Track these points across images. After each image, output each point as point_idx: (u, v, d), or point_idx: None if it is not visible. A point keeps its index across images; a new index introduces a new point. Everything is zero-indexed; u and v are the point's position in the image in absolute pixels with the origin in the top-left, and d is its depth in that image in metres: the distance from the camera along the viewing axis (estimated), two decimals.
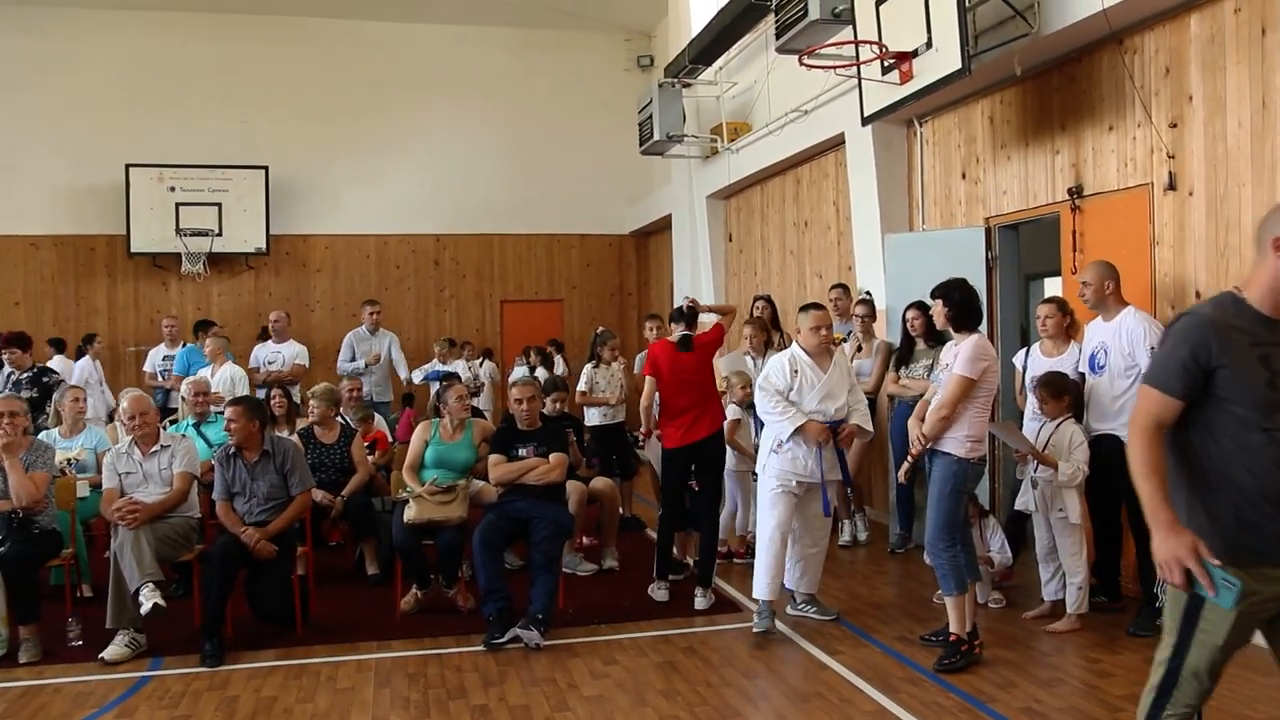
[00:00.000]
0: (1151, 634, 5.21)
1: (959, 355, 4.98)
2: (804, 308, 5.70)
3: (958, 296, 5.10)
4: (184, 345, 10.47)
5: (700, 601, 6.11)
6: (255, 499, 5.69)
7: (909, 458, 5.21)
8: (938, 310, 5.18)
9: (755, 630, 5.42)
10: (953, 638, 4.94)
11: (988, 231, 7.23)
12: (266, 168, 13.66)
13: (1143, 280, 5.79)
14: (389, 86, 14.42)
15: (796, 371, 5.53)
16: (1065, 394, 5.41)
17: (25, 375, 7.99)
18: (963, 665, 4.85)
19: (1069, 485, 5.34)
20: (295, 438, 6.92)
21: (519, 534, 5.86)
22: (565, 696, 4.71)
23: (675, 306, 6.76)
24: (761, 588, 5.49)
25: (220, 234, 13.53)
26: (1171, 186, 5.61)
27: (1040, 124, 6.69)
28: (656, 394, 6.48)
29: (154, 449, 5.78)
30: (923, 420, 5.19)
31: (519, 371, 11.50)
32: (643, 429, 6.98)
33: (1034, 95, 6.75)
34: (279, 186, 13.84)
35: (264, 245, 13.75)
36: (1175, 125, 5.60)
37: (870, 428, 5.75)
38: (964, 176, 7.56)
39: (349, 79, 14.30)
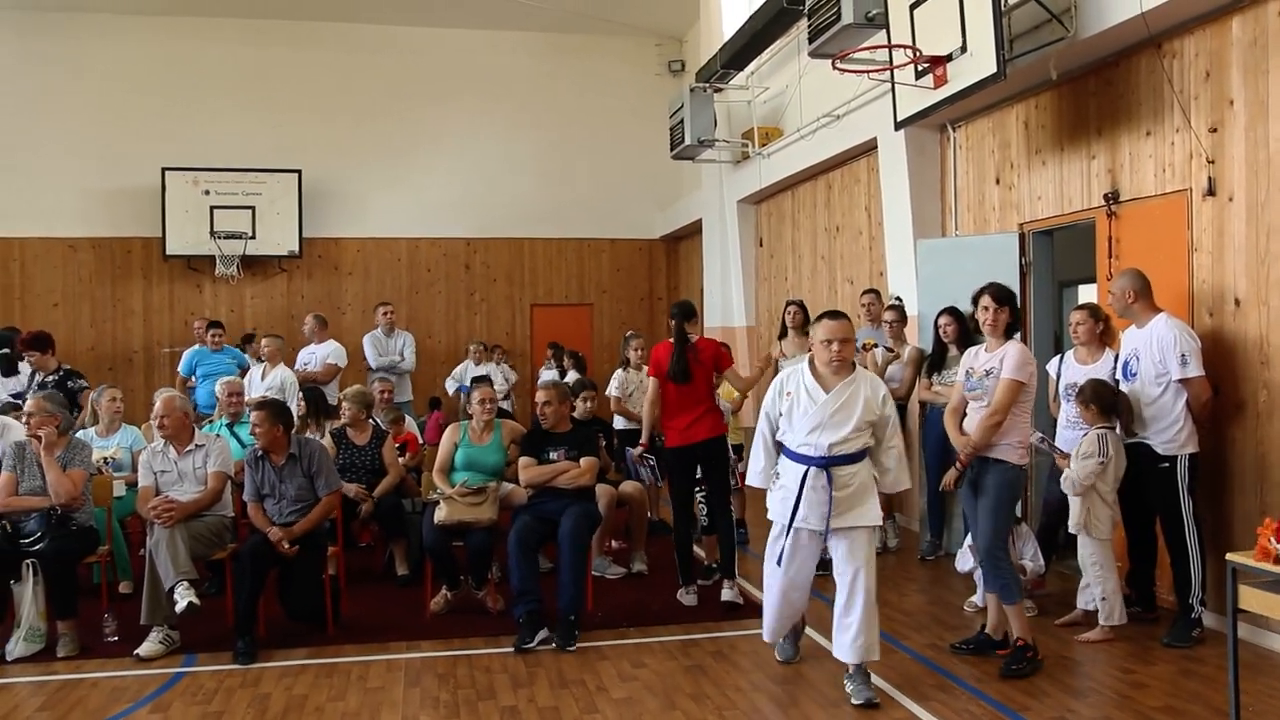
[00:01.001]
0: (1187, 645, 5.15)
1: (1006, 360, 4.90)
2: (819, 316, 4.82)
3: (1017, 302, 5.06)
4: (196, 346, 10.35)
5: (727, 593, 6.11)
6: (285, 500, 5.74)
7: (958, 466, 5.05)
8: (1001, 315, 5.01)
9: (778, 659, 5.17)
10: (1019, 643, 4.90)
11: (1022, 237, 7.17)
12: (299, 171, 13.78)
13: (1180, 287, 5.72)
14: (420, 91, 14.52)
15: (790, 393, 4.69)
16: (1093, 403, 5.34)
17: (51, 378, 7.71)
18: (1030, 671, 4.82)
19: (1071, 492, 5.31)
20: (328, 438, 6.97)
21: (550, 535, 5.87)
22: (594, 699, 4.70)
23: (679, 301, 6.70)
24: (767, 629, 5.03)
25: (254, 237, 13.67)
26: (1211, 192, 5.54)
27: (1076, 129, 6.63)
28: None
29: (189, 448, 5.85)
30: (959, 428, 5.13)
31: (547, 374, 11.52)
32: (643, 437, 6.65)
33: (1070, 100, 6.69)
34: (311, 190, 13.95)
35: (296, 248, 13.87)
36: (1215, 130, 5.53)
37: (905, 483, 4.87)
38: (998, 182, 7.50)
39: (381, 83, 14.41)
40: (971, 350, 5.26)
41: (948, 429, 5.25)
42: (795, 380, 4.68)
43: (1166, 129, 5.87)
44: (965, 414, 5.15)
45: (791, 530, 4.64)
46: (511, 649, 5.39)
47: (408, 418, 8.26)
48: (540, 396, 6.16)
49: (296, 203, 13.78)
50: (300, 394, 7.95)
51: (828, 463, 4.55)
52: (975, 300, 5.16)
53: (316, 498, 5.79)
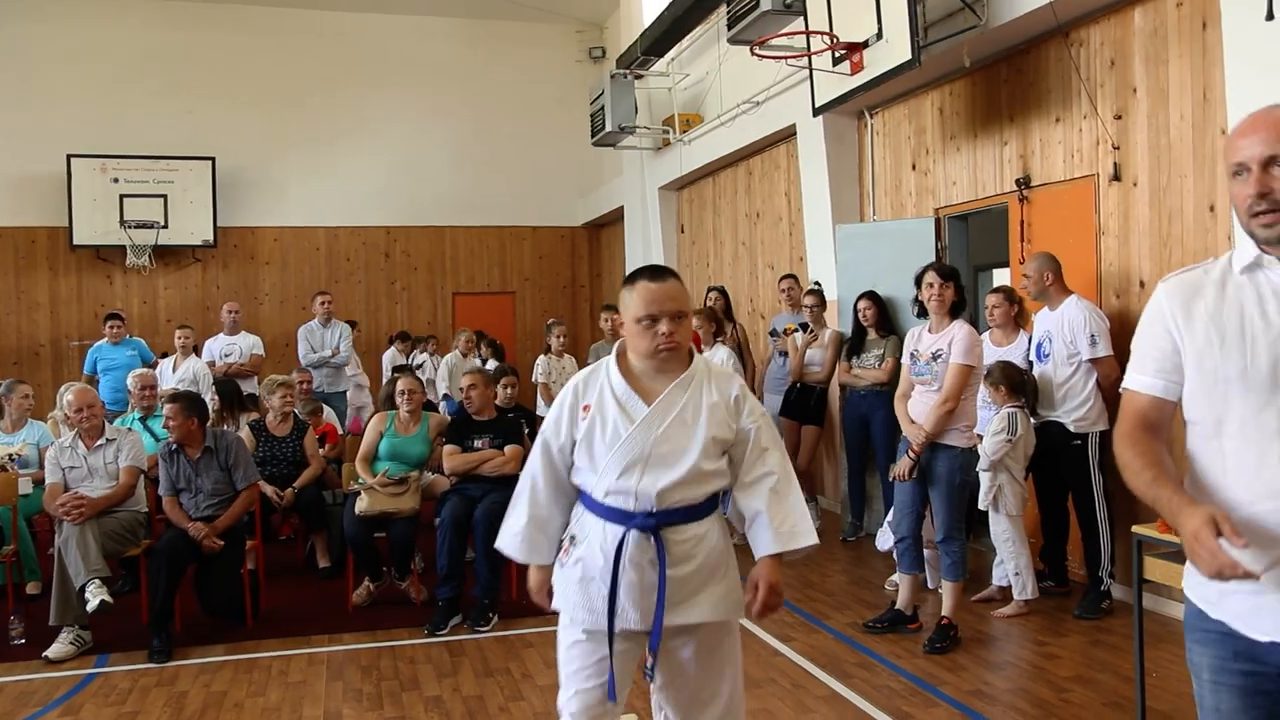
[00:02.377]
0: (1097, 617, 5.33)
1: (955, 344, 4.87)
2: (631, 274, 2.86)
3: (961, 280, 5.10)
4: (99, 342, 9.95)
5: None
6: (201, 494, 5.61)
7: (910, 454, 4.98)
8: (947, 291, 4.96)
9: None
10: (944, 620, 5.03)
11: (937, 222, 7.30)
12: (213, 159, 13.42)
13: (1088, 270, 5.89)
14: (340, 77, 14.24)
15: (588, 405, 2.70)
16: (1001, 383, 5.45)
17: None
18: (950, 648, 4.94)
19: (981, 467, 5.43)
20: (245, 430, 6.83)
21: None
22: (519, 686, 4.69)
23: None
24: None
25: (166, 226, 13.27)
26: (1116, 177, 5.71)
27: (989, 115, 6.77)
28: None
29: (99, 443, 5.68)
30: (907, 413, 5.10)
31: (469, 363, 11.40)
32: None
33: (982, 87, 6.83)
34: (227, 178, 13.61)
35: (211, 238, 13.52)
36: (1120, 117, 5.69)
37: (810, 539, 2.69)
38: (914, 168, 7.63)
39: (299, 69, 14.10)
40: (913, 332, 5.20)
41: (899, 416, 5.18)
42: (596, 385, 2.74)
43: (1075, 116, 6.02)
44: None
45: (579, 623, 2.69)
46: (436, 639, 5.36)
47: (326, 408, 8.13)
48: (465, 381, 6.19)
49: (210, 191, 13.40)
50: (213, 388, 7.76)
51: (659, 522, 2.63)
52: (918, 281, 5.12)
53: (234, 491, 5.67)
